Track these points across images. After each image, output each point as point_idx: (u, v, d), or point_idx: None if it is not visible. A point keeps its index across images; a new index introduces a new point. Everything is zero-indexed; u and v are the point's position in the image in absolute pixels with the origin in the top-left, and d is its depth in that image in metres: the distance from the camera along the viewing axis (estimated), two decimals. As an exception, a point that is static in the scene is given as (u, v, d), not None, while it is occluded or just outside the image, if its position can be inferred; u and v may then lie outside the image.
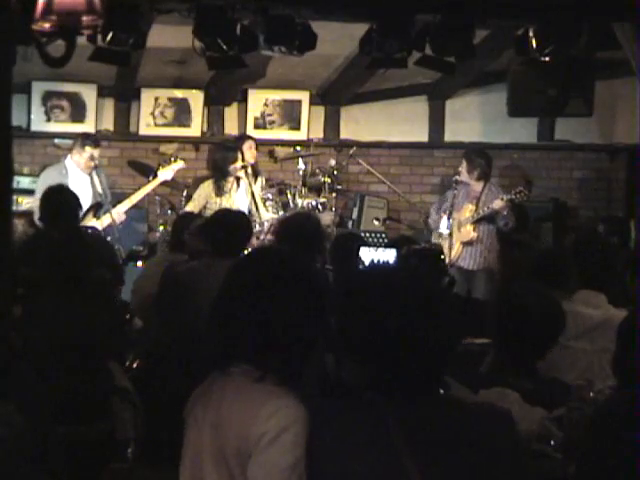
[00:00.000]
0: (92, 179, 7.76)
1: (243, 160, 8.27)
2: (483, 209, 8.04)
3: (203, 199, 8.22)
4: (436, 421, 2.13)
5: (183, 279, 5.34)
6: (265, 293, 2.43)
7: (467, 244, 8.14)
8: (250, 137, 8.95)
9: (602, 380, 3.63)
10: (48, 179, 7.60)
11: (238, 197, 8.28)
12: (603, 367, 3.97)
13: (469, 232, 8.13)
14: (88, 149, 7.91)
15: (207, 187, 8.29)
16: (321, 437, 2.25)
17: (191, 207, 8.11)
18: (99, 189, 7.72)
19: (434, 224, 8.32)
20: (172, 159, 8.49)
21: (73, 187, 7.45)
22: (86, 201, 7.57)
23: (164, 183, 8.34)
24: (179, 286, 5.33)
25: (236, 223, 5.54)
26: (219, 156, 8.48)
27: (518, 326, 3.44)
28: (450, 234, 7.98)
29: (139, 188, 8.43)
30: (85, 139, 8.05)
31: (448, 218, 8.09)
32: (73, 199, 6.64)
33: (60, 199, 6.55)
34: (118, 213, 7.75)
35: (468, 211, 8.17)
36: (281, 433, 2.28)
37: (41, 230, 6.49)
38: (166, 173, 8.23)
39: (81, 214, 6.99)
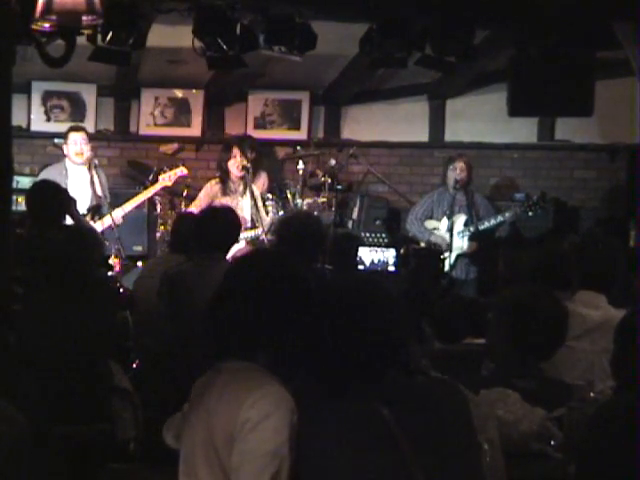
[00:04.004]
0: (92, 179, 7.68)
1: (247, 160, 8.13)
2: (489, 220, 8.03)
3: (209, 198, 8.01)
4: (412, 399, 2.36)
5: (180, 280, 5.34)
6: (253, 294, 2.48)
7: (463, 256, 8.10)
8: (236, 144, 8.30)
9: (603, 380, 3.63)
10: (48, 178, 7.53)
11: (246, 199, 8.15)
12: (604, 368, 3.96)
13: (474, 245, 8.09)
14: (71, 134, 7.85)
15: (213, 186, 8.14)
16: (316, 431, 2.27)
17: (194, 206, 7.97)
18: (99, 190, 7.65)
19: (417, 231, 8.26)
20: (174, 164, 8.45)
21: (73, 187, 7.42)
22: (86, 201, 7.53)
23: (164, 188, 8.29)
24: (176, 287, 5.34)
25: (222, 221, 5.51)
26: (219, 156, 8.44)
27: (523, 329, 3.44)
28: (451, 235, 7.95)
29: (139, 188, 8.42)
30: (68, 129, 8.02)
31: (448, 218, 8.07)
32: (59, 194, 6.30)
33: (45, 196, 6.24)
34: (117, 217, 7.65)
35: (462, 222, 8.13)
36: (263, 420, 2.28)
37: (39, 229, 6.43)
38: (167, 178, 8.19)
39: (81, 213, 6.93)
